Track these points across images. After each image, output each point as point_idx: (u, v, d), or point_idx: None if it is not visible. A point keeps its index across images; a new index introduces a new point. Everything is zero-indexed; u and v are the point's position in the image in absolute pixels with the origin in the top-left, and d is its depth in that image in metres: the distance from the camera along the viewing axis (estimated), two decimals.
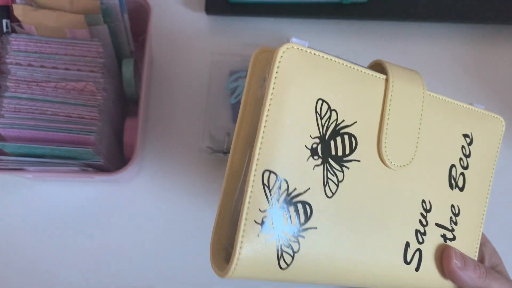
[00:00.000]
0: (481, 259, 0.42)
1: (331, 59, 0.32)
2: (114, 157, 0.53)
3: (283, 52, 0.30)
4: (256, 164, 0.29)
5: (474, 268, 0.39)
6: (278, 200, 0.29)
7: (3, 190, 0.55)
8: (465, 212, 0.38)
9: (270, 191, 0.29)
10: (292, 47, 0.30)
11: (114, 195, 0.55)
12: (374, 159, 0.33)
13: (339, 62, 0.32)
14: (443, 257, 0.38)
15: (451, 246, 0.38)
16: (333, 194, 0.32)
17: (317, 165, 0.31)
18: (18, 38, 0.47)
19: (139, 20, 0.54)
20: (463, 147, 0.38)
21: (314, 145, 0.31)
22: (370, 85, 0.33)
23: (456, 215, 0.38)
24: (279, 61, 0.29)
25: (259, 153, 0.29)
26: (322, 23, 0.62)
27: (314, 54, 0.31)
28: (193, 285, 0.52)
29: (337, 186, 0.32)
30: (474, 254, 0.40)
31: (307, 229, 0.30)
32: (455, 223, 0.38)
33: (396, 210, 0.34)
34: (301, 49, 0.30)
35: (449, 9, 0.60)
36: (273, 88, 0.30)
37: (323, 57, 0.31)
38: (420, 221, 0.36)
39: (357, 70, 0.33)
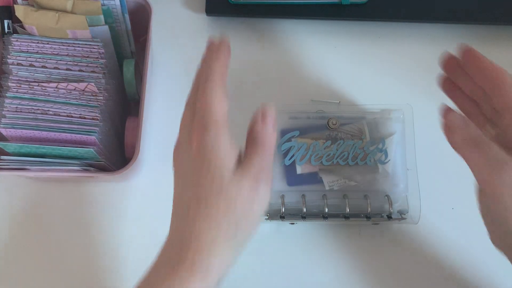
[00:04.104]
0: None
1: None
2: (115, 156, 0.53)
3: None
4: None
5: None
6: None
7: (4, 190, 0.55)
8: None
9: None
10: None
11: (115, 194, 0.55)
12: None
13: None
14: None
15: None
16: None
17: None
18: (20, 38, 0.47)
19: (140, 21, 0.54)
20: None
21: None
22: None
23: None
24: None
25: None
26: (321, 24, 0.62)
27: None
28: None
29: None
30: None
31: None
32: None
33: None
34: None
35: (448, 10, 0.60)
36: None
37: None
38: None
39: None
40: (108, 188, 0.55)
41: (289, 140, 0.52)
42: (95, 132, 0.46)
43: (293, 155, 0.51)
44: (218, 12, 0.61)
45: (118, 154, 0.54)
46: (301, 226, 0.54)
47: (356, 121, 0.53)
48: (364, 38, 0.62)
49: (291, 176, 0.52)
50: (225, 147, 0.35)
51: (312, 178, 0.52)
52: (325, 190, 0.51)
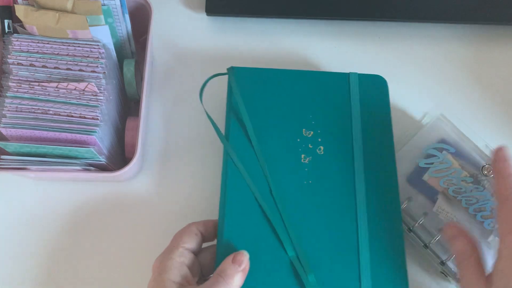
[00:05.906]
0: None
1: None
2: (116, 156, 0.53)
3: None
4: None
5: None
6: None
7: (5, 189, 0.55)
8: None
9: None
10: None
11: (115, 194, 0.55)
12: None
13: None
14: None
15: None
16: None
17: None
18: (20, 38, 0.47)
19: (140, 21, 0.55)
20: None
21: None
22: None
23: None
24: None
25: None
26: (322, 24, 0.62)
27: None
28: None
29: None
30: None
31: None
32: None
33: None
34: None
35: (448, 10, 0.60)
36: None
37: None
38: None
39: None
40: (108, 188, 0.55)
41: (440, 149, 0.51)
42: (95, 132, 0.46)
43: (431, 163, 0.51)
44: (218, 12, 0.61)
45: (118, 153, 0.54)
46: None
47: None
48: (364, 38, 0.62)
49: (415, 176, 0.51)
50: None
51: (430, 192, 0.51)
52: (431, 210, 0.50)
